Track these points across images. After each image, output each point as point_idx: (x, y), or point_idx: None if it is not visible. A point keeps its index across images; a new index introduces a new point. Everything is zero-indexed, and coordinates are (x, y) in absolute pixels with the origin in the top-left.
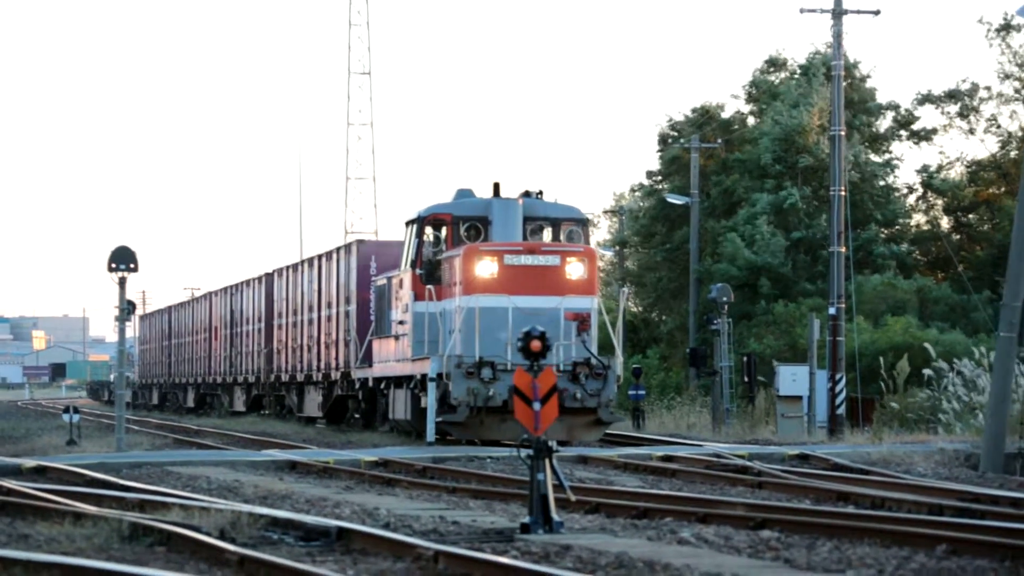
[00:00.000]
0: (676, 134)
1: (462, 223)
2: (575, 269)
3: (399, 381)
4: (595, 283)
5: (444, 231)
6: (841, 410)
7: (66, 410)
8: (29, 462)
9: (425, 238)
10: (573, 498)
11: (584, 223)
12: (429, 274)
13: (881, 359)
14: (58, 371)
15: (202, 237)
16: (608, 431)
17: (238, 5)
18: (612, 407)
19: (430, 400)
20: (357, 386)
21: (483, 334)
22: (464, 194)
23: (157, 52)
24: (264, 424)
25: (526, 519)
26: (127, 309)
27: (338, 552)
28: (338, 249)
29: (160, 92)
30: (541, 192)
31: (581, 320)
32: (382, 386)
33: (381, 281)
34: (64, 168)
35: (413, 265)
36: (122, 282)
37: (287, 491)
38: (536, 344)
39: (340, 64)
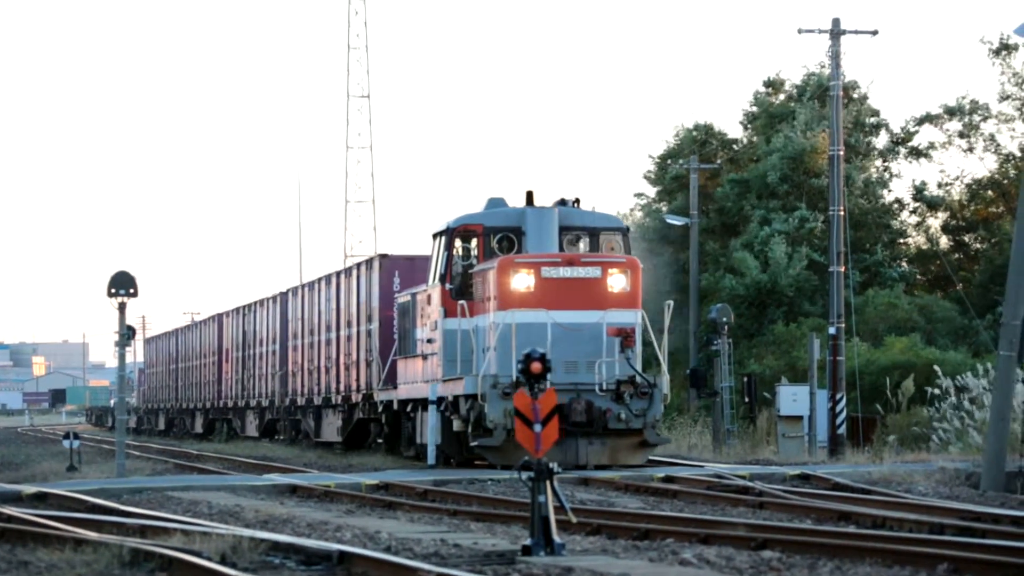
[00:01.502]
0: (668, 156)
1: (494, 234)
2: (617, 281)
3: (427, 403)
4: (639, 296)
5: (474, 243)
6: (842, 430)
7: (66, 436)
8: (29, 488)
9: (455, 251)
10: (574, 520)
11: (624, 232)
12: (460, 289)
13: (887, 379)
14: (58, 397)
15: (202, 262)
16: None
17: (238, 28)
18: (659, 428)
19: (431, 422)
20: (380, 409)
21: (520, 352)
22: (495, 203)
23: (156, 76)
24: (264, 448)
25: (527, 541)
26: (127, 334)
27: None
28: (358, 265)
29: (159, 117)
30: (578, 200)
31: (625, 335)
32: (408, 409)
33: (405, 298)
34: (63, 193)
35: (443, 279)
36: (122, 307)
37: (288, 515)
38: (537, 366)
39: (339, 87)
